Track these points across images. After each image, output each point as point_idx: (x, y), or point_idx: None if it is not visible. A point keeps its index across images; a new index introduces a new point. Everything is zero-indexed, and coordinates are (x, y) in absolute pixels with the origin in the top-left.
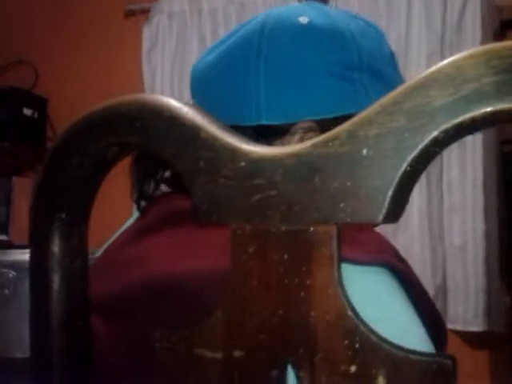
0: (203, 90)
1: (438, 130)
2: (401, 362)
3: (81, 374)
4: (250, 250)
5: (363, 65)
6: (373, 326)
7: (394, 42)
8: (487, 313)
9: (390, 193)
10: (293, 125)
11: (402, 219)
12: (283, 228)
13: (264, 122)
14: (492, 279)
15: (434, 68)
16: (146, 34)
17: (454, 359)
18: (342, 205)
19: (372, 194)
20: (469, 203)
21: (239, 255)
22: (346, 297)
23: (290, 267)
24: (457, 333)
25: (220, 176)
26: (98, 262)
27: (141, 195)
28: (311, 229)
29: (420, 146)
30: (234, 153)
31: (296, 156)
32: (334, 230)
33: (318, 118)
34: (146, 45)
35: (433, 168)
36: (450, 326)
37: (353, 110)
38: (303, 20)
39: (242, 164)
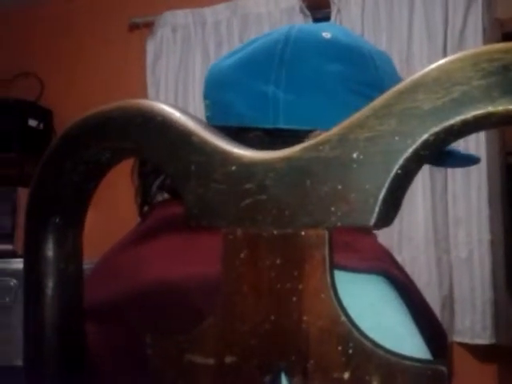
0: (219, 90)
1: (428, 133)
2: (395, 368)
3: (74, 379)
4: (242, 255)
5: (381, 84)
6: (369, 333)
7: (396, 56)
8: (495, 325)
9: (381, 196)
10: (310, 132)
11: (408, 231)
12: (275, 232)
13: (281, 126)
14: (499, 291)
15: (422, 71)
16: (150, 46)
17: (448, 366)
18: (333, 208)
19: (363, 198)
20: (474, 214)
21: (231, 260)
22: (340, 302)
23: (282, 272)
24: (464, 345)
25: (211, 180)
26: (96, 267)
27: (144, 201)
28: (303, 233)
29: (410, 149)
30: (225, 157)
31: (287, 160)
32: (325, 233)
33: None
34: (150, 57)
35: (437, 179)
36: (457, 338)
37: None
38: (326, 35)
39: (233, 168)
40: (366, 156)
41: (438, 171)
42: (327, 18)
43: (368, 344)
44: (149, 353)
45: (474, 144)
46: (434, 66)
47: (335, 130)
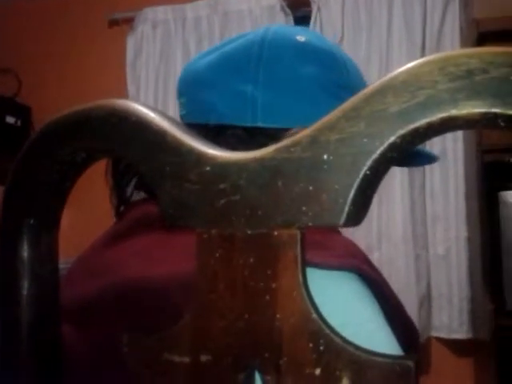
0: (196, 89)
1: (395, 136)
2: (364, 363)
3: (50, 380)
4: (216, 255)
5: (352, 87)
6: (340, 329)
7: (375, 54)
8: (471, 321)
9: (351, 196)
10: (287, 131)
11: (387, 229)
12: (248, 232)
13: (259, 125)
14: (475, 287)
15: (390, 75)
16: (130, 42)
17: (415, 361)
18: (304, 208)
19: (333, 198)
20: (451, 212)
21: (205, 259)
22: (311, 299)
23: (256, 271)
24: (442, 340)
25: (185, 180)
26: (72, 267)
27: (120, 201)
28: (275, 232)
29: (378, 151)
30: (199, 157)
31: (259, 161)
32: (297, 233)
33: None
34: (130, 53)
35: (416, 178)
36: (434, 333)
37: None
38: (300, 38)
39: (207, 168)
40: (335, 157)
41: (417, 170)
42: (307, 17)
43: (338, 341)
44: (125, 352)
45: (452, 143)
46: (402, 69)
47: (307, 131)
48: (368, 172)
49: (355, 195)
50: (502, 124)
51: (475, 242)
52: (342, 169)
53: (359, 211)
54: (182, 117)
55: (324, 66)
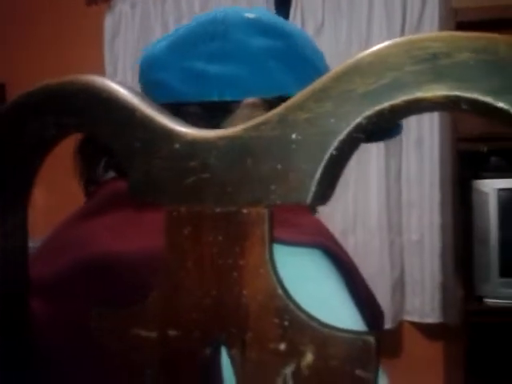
0: (152, 71)
1: (362, 117)
2: (328, 339)
3: (19, 354)
4: (185, 232)
5: (303, 56)
6: (305, 305)
7: (356, 41)
8: (443, 306)
9: (317, 176)
10: (240, 102)
11: (362, 214)
12: (217, 210)
13: (215, 99)
14: (447, 273)
15: (358, 56)
16: (108, 22)
17: (377, 336)
18: (272, 187)
19: (300, 177)
20: (426, 198)
21: (174, 237)
22: (277, 276)
23: (224, 248)
24: (414, 324)
25: (155, 157)
26: (43, 244)
27: (89, 179)
28: (244, 210)
29: (345, 132)
30: (169, 135)
31: (229, 139)
32: (265, 211)
33: (265, 96)
34: (108, 33)
35: (392, 164)
36: (407, 317)
37: (294, 90)
38: (249, 15)
39: (177, 146)
40: (303, 137)
41: (393, 157)
42: (288, 2)
43: (303, 316)
44: (94, 327)
45: (428, 131)
46: (369, 51)
47: (276, 110)
48: (334, 152)
49: (322, 175)
50: (464, 107)
51: (448, 229)
52: (309, 148)
53: (325, 191)
54: None
55: (272, 38)
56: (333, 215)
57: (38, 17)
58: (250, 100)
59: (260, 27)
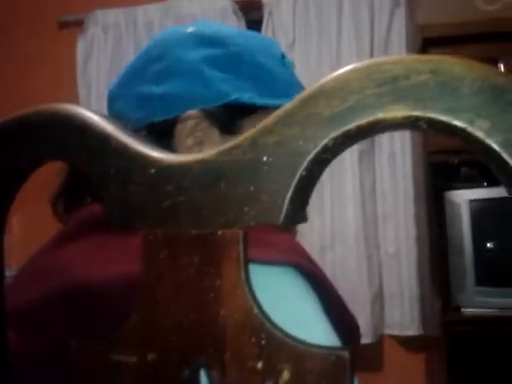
0: (110, 105)
1: (328, 138)
2: (303, 355)
3: None
4: (162, 255)
5: (243, 59)
6: (281, 323)
7: (326, 56)
8: (422, 317)
9: (288, 196)
10: (179, 117)
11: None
12: (193, 232)
13: (157, 119)
14: (424, 284)
15: (323, 81)
16: (81, 46)
17: (351, 351)
18: (246, 208)
19: (272, 198)
20: (401, 212)
21: (151, 260)
22: (253, 296)
23: (201, 270)
24: (394, 337)
25: (131, 183)
26: (19, 272)
27: (67, 205)
28: (219, 232)
29: (313, 153)
30: (144, 160)
31: (203, 163)
32: (240, 232)
33: (205, 106)
34: (80, 57)
35: (366, 179)
36: (387, 331)
37: (233, 97)
38: (189, 29)
39: (152, 171)
40: (274, 159)
41: (367, 172)
42: (260, 20)
43: (279, 334)
44: (74, 355)
45: (400, 146)
46: (332, 75)
47: (247, 134)
48: (304, 172)
49: (293, 195)
50: (423, 126)
51: (424, 241)
52: (280, 170)
53: (297, 210)
54: None
55: (211, 47)
56: (311, 233)
57: (10, 40)
58: (187, 113)
59: (199, 39)
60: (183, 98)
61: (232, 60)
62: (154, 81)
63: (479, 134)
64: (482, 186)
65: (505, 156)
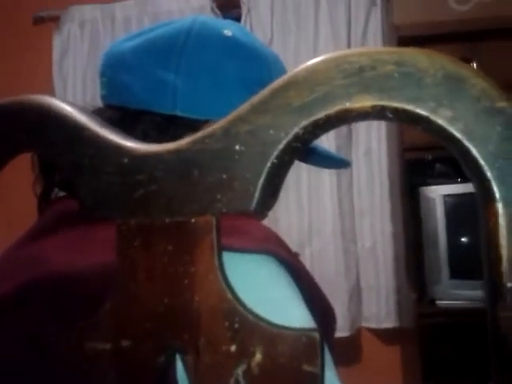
0: (118, 71)
1: (298, 127)
2: (275, 337)
3: None
4: (136, 244)
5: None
6: (258, 309)
7: (304, 55)
8: (397, 310)
9: (260, 184)
10: (205, 123)
11: (317, 224)
12: (166, 220)
13: (178, 113)
14: (401, 278)
15: (293, 72)
16: (57, 41)
17: (320, 333)
18: (218, 196)
19: (244, 186)
20: (377, 207)
21: (125, 249)
22: (227, 281)
23: (175, 257)
24: (371, 330)
25: (104, 173)
26: None
27: (45, 197)
28: (192, 220)
29: (284, 141)
30: (117, 150)
31: (176, 152)
32: (213, 219)
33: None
34: (56, 53)
35: (343, 176)
36: (364, 324)
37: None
38: (227, 33)
39: (125, 160)
40: (246, 147)
41: (344, 169)
42: (237, 18)
43: (252, 318)
44: (51, 343)
45: (376, 143)
46: (302, 66)
47: (219, 123)
48: (275, 161)
49: (264, 183)
50: (389, 115)
51: (399, 235)
52: (252, 158)
53: (268, 198)
54: (102, 97)
55: (246, 62)
56: (289, 228)
57: None
58: (213, 123)
59: (234, 48)
60: (209, 106)
61: (261, 83)
62: (180, 72)
63: (442, 122)
64: (456, 182)
65: (466, 143)
